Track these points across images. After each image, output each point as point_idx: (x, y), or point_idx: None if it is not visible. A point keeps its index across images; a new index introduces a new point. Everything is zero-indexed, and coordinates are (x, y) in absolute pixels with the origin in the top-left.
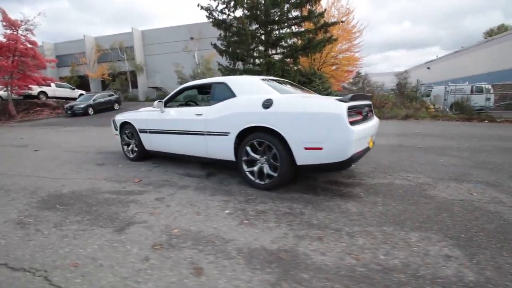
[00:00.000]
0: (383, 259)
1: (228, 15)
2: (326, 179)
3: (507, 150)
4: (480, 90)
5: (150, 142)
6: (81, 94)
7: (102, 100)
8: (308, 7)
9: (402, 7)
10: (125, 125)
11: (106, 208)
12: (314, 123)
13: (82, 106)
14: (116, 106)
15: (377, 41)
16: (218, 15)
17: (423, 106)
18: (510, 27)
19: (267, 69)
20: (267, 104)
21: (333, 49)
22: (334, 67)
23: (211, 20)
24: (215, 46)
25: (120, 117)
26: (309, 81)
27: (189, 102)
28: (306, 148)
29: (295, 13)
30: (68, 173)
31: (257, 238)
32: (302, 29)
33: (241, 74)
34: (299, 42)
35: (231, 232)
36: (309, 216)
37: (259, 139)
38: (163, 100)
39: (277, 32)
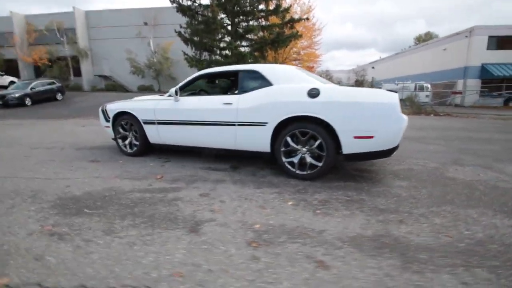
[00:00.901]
0: (468, 234)
1: (194, 1)
2: (352, 167)
3: (472, 139)
4: (421, 88)
5: (159, 135)
6: (12, 82)
7: (41, 88)
8: (275, 1)
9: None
10: (120, 115)
11: (152, 209)
12: (367, 113)
13: (17, 95)
14: (59, 96)
15: (323, 41)
16: (183, 0)
17: None
18: (435, 35)
19: (237, 61)
20: (314, 93)
21: (296, 45)
22: (295, 63)
23: (175, 5)
24: (179, 34)
25: (114, 107)
26: None
27: (201, 91)
28: (355, 137)
29: (261, 6)
30: (61, 172)
31: (346, 226)
32: (269, 23)
33: (208, 65)
34: (269, 36)
35: (315, 223)
36: (372, 202)
37: (302, 129)
38: (176, 88)
39: (246, 24)
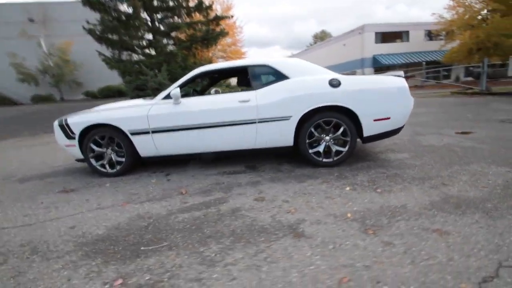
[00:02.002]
0: (493, 183)
1: None
2: (362, 151)
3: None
4: None
5: (155, 145)
6: None
7: None
8: None
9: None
10: (92, 129)
11: (224, 226)
12: (384, 97)
13: None
14: None
15: (244, 38)
16: None
17: None
18: (328, 33)
19: (167, 60)
20: (335, 83)
21: (221, 43)
22: (221, 60)
23: None
24: (90, 31)
25: (81, 119)
26: None
27: (193, 91)
28: (375, 120)
29: (186, 3)
30: (38, 213)
31: (414, 197)
32: (194, 20)
33: (132, 65)
34: (198, 33)
35: (390, 200)
36: (404, 173)
37: (327, 118)
38: (173, 89)
39: (169, 21)
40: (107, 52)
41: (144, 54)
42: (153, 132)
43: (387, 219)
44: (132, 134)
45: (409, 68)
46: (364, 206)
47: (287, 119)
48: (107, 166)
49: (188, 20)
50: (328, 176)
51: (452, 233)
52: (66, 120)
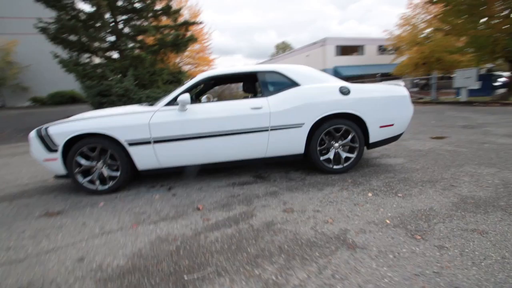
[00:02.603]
0: (498, 183)
1: None
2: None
3: None
4: None
5: (157, 157)
6: None
7: None
8: (166, 0)
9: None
10: (80, 140)
11: (266, 242)
12: (390, 104)
13: None
14: None
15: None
16: None
17: None
18: (289, 44)
19: (134, 64)
20: (345, 91)
21: (189, 49)
22: (189, 67)
23: None
24: (42, 30)
25: (67, 128)
26: (177, 81)
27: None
28: (381, 127)
29: (151, 6)
30: (23, 245)
31: (437, 200)
32: (162, 24)
33: (93, 69)
34: (167, 37)
35: (416, 204)
36: (411, 177)
37: (337, 125)
38: (174, 96)
39: (135, 23)
40: (64, 54)
41: (106, 57)
42: (155, 142)
43: (424, 222)
44: (130, 144)
45: (365, 79)
46: (396, 211)
47: (300, 127)
48: (97, 182)
49: (155, 23)
50: (343, 183)
51: (489, 232)
52: (47, 130)
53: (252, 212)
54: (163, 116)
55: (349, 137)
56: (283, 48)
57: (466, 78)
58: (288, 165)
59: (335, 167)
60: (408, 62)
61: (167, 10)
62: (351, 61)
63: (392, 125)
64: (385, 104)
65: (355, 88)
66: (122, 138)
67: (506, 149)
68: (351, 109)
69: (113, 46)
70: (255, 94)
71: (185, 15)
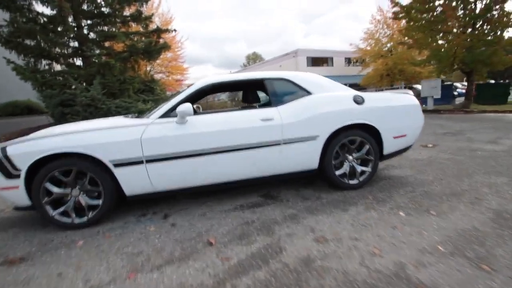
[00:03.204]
0: None
1: None
2: None
3: None
4: None
5: (150, 179)
6: None
7: None
8: (137, 6)
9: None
10: (50, 161)
11: (315, 278)
12: (403, 113)
13: None
14: None
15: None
16: None
17: None
18: (259, 54)
19: (102, 72)
20: (360, 100)
21: (161, 57)
22: (161, 75)
23: None
24: None
25: (31, 147)
26: (149, 89)
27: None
28: (394, 138)
29: (120, 11)
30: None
31: (474, 216)
32: (132, 31)
33: (54, 76)
34: (138, 44)
35: (456, 222)
36: (431, 190)
37: (352, 136)
38: (171, 106)
39: (101, 28)
40: (20, 60)
41: (69, 64)
42: (149, 161)
43: (480, 247)
44: (117, 165)
45: None
46: (440, 233)
47: (314, 139)
48: (72, 214)
49: (124, 29)
50: (364, 200)
51: None
52: (4, 150)
53: (278, 244)
54: (158, 130)
55: (364, 149)
56: (253, 59)
57: (432, 88)
58: (294, 181)
59: (351, 182)
60: (374, 73)
61: (138, 17)
62: (322, 72)
63: (405, 135)
64: (398, 114)
65: (368, 97)
66: (106, 158)
67: (500, 157)
68: (366, 119)
69: (77, 52)
70: (257, 104)
71: (156, 22)
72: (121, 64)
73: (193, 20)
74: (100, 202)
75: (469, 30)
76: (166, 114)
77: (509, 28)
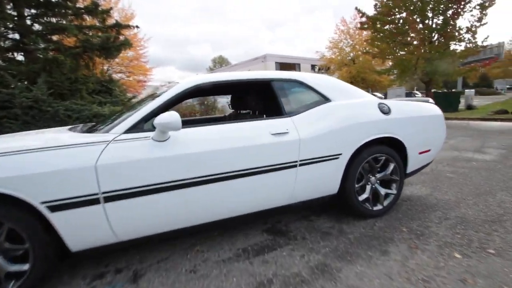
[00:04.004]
0: None
1: None
2: None
3: None
4: None
5: (110, 225)
6: None
7: None
8: None
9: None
10: None
11: None
12: (429, 125)
13: None
14: None
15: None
16: None
17: (223, 114)
18: (226, 58)
19: (48, 69)
20: (386, 109)
21: (121, 56)
22: (120, 75)
23: None
24: None
25: None
26: (106, 90)
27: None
28: (420, 153)
29: (72, 2)
30: None
31: None
32: (86, 24)
33: None
34: (94, 40)
35: None
36: (477, 215)
37: (377, 153)
38: (144, 115)
39: (48, 19)
40: None
41: (7, 59)
42: (109, 199)
43: None
44: (55, 208)
45: None
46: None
47: (336, 158)
48: None
49: (77, 22)
50: (400, 234)
51: None
52: None
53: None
54: (125, 150)
55: (389, 168)
56: (220, 62)
57: (397, 96)
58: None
59: (375, 208)
60: None
61: (93, 9)
62: None
63: (429, 150)
64: (424, 126)
65: (393, 105)
66: (36, 198)
67: (499, 169)
68: (392, 132)
69: (17, 46)
70: (254, 112)
71: (115, 17)
72: (72, 60)
73: (155, 23)
74: (26, 267)
75: (426, 43)
76: (137, 127)
77: (460, 42)
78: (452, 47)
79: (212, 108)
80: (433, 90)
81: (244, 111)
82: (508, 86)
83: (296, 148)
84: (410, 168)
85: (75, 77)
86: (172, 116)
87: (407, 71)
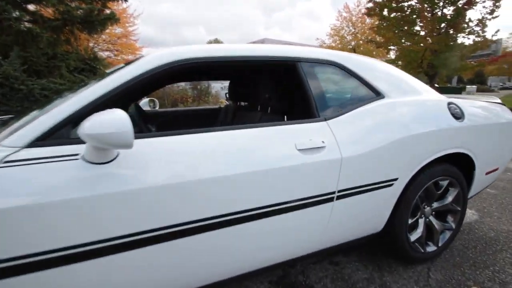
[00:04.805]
0: None
1: None
2: None
3: None
4: None
5: None
6: None
7: None
8: None
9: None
10: None
11: None
12: (502, 137)
13: None
14: None
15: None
16: None
17: (218, 101)
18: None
19: (21, 42)
20: (458, 113)
21: (109, 33)
22: (107, 54)
23: None
24: None
25: None
26: (90, 69)
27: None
28: (487, 173)
29: None
30: None
31: None
32: None
33: None
34: (76, 12)
35: None
36: None
37: (441, 176)
38: (57, 119)
39: None
40: None
41: None
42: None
43: None
44: None
45: None
46: None
47: (390, 185)
48: None
49: None
50: None
51: None
52: None
53: None
54: (22, 183)
55: (451, 195)
56: None
57: None
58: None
59: (427, 249)
60: None
61: None
62: None
63: (497, 169)
64: (499, 137)
65: (465, 106)
66: None
67: None
68: (464, 146)
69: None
70: (264, 109)
71: None
72: (51, 34)
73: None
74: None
75: (435, 34)
76: (54, 135)
77: (469, 35)
78: (460, 40)
79: (206, 93)
80: (435, 85)
81: (247, 106)
82: (501, 84)
83: (336, 171)
84: (472, 192)
85: (53, 53)
86: (115, 120)
87: (413, 62)
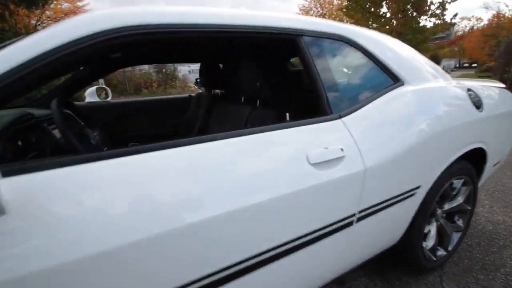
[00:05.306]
0: None
1: None
2: None
3: None
4: None
5: None
6: None
7: None
8: None
9: None
10: None
11: None
12: (510, 125)
13: None
14: None
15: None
16: None
17: (186, 85)
18: None
19: None
20: (478, 102)
21: (54, 8)
22: None
23: None
24: None
25: None
26: None
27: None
28: (494, 165)
29: None
30: None
31: None
32: None
33: None
34: None
35: None
36: None
37: (457, 175)
38: None
39: None
40: None
41: None
42: None
43: None
44: None
45: None
46: None
47: (412, 195)
48: None
49: None
50: None
51: None
52: None
53: None
54: None
55: (464, 194)
56: None
57: None
58: None
59: (438, 254)
60: None
61: None
62: None
63: (498, 162)
64: (509, 126)
65: (482, 93)
66: None
67: None
68: (482, 140)
69: None
70: (253, 100)
71: None
72: None
73: None
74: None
75: (400, 15)
76: None
77: (431, 18)
78: (422, 22)
79: (172, 77)
80: None
81: (228, 96)
82: (455, 66)
83: (358, 188)
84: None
85: None
86: None
87: None
